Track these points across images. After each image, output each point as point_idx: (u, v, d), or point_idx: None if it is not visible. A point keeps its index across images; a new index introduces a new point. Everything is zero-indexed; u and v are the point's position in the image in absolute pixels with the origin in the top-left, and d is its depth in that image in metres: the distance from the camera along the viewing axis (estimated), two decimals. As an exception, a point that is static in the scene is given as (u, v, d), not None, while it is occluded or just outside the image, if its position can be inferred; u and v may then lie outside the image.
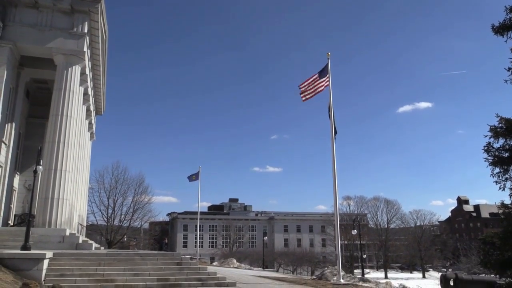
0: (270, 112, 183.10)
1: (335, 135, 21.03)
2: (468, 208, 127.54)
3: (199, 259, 41.29)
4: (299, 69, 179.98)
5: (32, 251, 14.83)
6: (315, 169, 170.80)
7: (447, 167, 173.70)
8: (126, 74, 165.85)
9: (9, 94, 22.61)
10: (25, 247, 15.56)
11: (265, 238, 75.27)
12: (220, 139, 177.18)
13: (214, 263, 46.60)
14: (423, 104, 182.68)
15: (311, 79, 21.36)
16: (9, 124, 23.31)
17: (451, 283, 13.56)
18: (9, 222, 25.10)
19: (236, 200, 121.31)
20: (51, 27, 22.75)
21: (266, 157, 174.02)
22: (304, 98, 21.32)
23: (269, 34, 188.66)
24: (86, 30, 23.58)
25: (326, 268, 32.09)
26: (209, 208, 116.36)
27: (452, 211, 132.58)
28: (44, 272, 13.63)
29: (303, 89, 21.26)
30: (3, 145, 22.35)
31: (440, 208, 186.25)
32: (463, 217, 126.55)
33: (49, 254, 14.54)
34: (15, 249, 15.66)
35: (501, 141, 12.77)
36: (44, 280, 13.29)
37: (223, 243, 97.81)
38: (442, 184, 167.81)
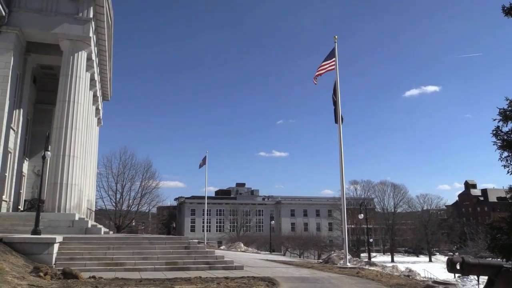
0: (276, 97, 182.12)
1: (341, 119, 21.00)
2: (476, 192, 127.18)
3: (206, 243, 41.74)
4: (305, 55, 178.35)
5: (42, 236, 14.99)
6: (321, 153, 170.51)
7: (455, 151, 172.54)
8: (128, 54, 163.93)
9: (16, 81, 22.64)
10: (35, 231, 15.74)
11: (272, 222, 75.78)
12: (226, 124, 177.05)
13: (222, 247, 46.98)
14: (430, 88, 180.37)
15: (322, 64, 21.50)
16: (17, 110, 23.40)
17: (458, 267, 13.48)
18: (19, 207, 25.37)
19: (243, 184, 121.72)
20: (57, 12, 22.61)
21: (272, 142, 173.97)
22: (315, 81, 21.48)
23: (275, 20, 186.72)
24: (91, 15, 23.43)
25: (332, 252, 32.23)
26: (216, 192, 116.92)
27: (459, 196, 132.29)
28: (54, 256, 13.81)
29: (316, 74, 21.48)
30: (11, 131, 22.47)
31: (447, 192, 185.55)
32: (471, 201, 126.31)
33: (59, 238, 14.72)
34: (26, 234, 15.82)
35: (510, 124, 12.64)
36: (54, 264, 13.46)
37: (230, 227, 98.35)
38: (449, 168, 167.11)
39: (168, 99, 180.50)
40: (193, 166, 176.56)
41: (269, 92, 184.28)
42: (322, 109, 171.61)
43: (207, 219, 70.93)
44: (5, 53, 21.17)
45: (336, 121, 20.99)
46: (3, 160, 20.80)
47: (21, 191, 26.73)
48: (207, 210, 62.17)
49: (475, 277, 17.30)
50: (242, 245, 43.41)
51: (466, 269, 13.34)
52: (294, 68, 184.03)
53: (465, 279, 22.04)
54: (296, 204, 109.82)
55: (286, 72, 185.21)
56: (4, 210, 21.70)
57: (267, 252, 46.62)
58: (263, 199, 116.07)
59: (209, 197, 78.75)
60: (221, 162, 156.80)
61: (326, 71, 21.30)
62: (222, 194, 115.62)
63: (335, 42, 21.78)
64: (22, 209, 25.75)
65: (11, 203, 22.81)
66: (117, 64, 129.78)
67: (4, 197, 21.79)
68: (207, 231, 62.19)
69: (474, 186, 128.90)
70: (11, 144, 22.55)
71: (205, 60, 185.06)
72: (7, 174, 22.20)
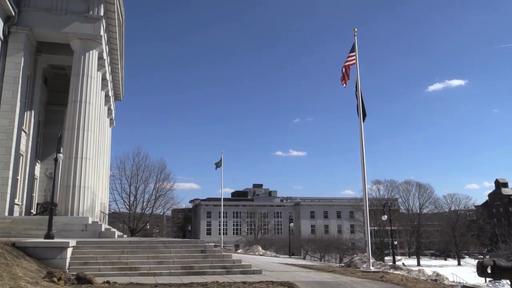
0: (292, 95, 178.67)
1: (364, 116, 20.04)
2: (507, 191, 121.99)
3: (223, 246, 41.10)
4: (321, 49, 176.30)
5: (55, 240, 14.76)
6: (341, 152, 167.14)
7: (483, 149, 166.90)
8: (139, 50, 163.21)
9: (27, 82, 22.42)
10: (48, 235, 15.50)
11: (291, 224, 74.74)
12: (241, 123, 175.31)
13: (239, 251, 46.42)
14: (455, 82, 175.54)
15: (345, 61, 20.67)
16: (28, 112, 23.23)
17: (489, 271, 12.54)
18: (32, 211, 25.29)
19: (260, 185, 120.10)
20: (67, 11, 22.32)
21: (289, 141, 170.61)
22: (343, 83, 20.56)
23: (291, 14, 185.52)
24: (102, 13, 23.11)
25: (355, 255, 31.33)
26: (233, 194, 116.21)
27: (489, 195, 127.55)
28: (68, 260, 13.59)
29: (342, 74, 20.59)
30: (23, 134, 22.29)
31: (476, 191, 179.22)
32: (502, 201, 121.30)
33: (72, 242, 14.49)
34: (39, 238, 15.70)
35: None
36: (68, 269, 13.26)
37: (247, 230, 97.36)
38: (477, 166, 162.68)
39: (181, 97, 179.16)
40: (208, 167, 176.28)
41: (285, 90, 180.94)
42: (340, 106, 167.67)
43: (223, 222, 70.73)
44: (15, 53, 20.94)
45: (363, 119, 20.09)
46: (15, 163, 20.60)
47: (34, 195, 26.64)
48: (223, 212, 61.75)
49: (508, 281, 16.22)
50: (260, 248, 42.82)
51: (497, 273, 12.29)
52: (310, 64, 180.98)
53: (496, 283, 20.86)
54: (316, 205, 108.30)
55: (302, 68, 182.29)
56: (16, 213, 21.52)
57: (286, 256, 45.88)
58: (281, 200, 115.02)
59: (225, 199, 78.16)
60: (237, 162, 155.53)
61: (349, 67, 20.31)
62: (239, 195, 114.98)
63: (354, 35, 20.95)
64: (34, 212, 25.63)
65: (23, 207, 22.68)
66: (128, 61, 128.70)
67: (16, 200, 21.64)
68: (223, 234, 61.86)
69: (505, 184, 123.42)
70: (22, 147, 22.33)
71: (219, 56, 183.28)
72: (19, 177, 22.03)
